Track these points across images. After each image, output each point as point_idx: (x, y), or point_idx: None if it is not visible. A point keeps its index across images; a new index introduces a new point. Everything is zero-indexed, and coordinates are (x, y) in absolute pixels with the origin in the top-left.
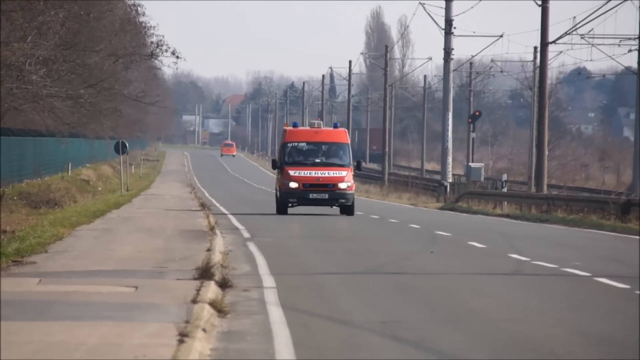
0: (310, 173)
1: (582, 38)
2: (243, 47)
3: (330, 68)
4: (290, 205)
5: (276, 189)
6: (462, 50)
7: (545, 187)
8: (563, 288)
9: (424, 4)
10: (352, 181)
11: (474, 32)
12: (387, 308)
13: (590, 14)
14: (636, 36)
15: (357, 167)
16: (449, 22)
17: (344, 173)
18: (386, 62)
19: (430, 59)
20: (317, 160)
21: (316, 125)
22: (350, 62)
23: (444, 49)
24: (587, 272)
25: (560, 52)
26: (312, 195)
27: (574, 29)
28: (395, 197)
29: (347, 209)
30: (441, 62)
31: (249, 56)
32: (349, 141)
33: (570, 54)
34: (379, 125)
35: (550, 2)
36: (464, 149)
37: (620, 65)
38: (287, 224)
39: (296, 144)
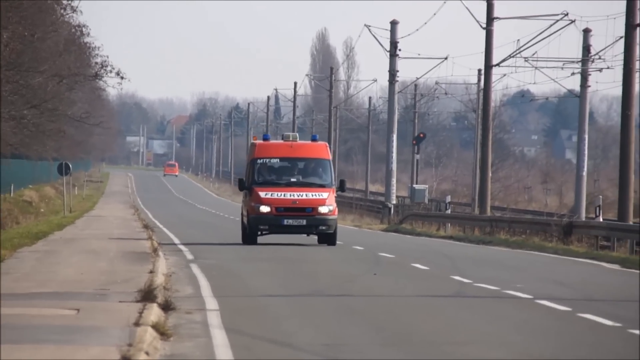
0: (284, 195)
1: (525, 61)
2: (188, 68)
3: (275, 89)
4: (260, 233)
5: (242, 214)
6: (407, 72)
7: (488, 208)
8: (506, 310)
9: (370, 26)
10: (335, 205)
11: (419, 54)
12: (331, 330)
13: (534, 37)
14: (579, 59)
15: (341, 187)
16: (394, 44)
17: (324, 195)
18: (331, 83)
19: (375, 80)
20: (292, 180)
21: (291, 138)
22: (295, 83)
23: (389, 71)
24: (529, 294)
25: (504, 74)
26: (286, 222)
27: (517, 51)
28: (340, 219)
29: (328, 238)
30: (386, 83)
31: (194, 77)
32: (330, 157)
33: (514, 76)
34: None
35: (495, 25)
36: (408, 171)
37: (563, 88)
38: (232, 244)
39: (267, 160)
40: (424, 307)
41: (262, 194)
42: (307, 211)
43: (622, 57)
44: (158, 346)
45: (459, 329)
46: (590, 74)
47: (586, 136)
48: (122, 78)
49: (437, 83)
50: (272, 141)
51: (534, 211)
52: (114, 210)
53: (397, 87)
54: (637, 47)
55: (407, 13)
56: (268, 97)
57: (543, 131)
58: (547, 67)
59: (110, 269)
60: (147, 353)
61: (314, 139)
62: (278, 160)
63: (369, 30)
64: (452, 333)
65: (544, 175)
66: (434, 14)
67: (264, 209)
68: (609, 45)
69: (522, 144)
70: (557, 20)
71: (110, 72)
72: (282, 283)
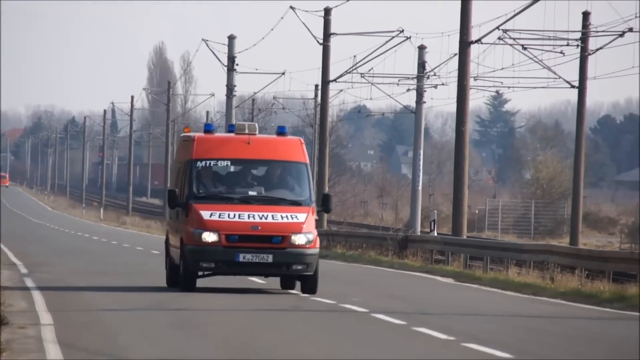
0: (239, 216)
1: (362, 77)
2: (22, 81)
3: (112, 103)
4: (202, 274)
5: (170, 245)
6: (245, 86)
7: (325, 222)
8: (343, 324)
9: (207, 40)
10: (315, 232)
11: (256, 69)
12: (168, 344)
13: (371, 54)
14: (414, 75)
15: (325, 204)
16: (231, 58)
17: (300, 216)
18: (168, 97)
19: (213, 95)
20: (251, 194)
21: (247, 130)
22: (132, 97)
23: (227, 85)
24: (365, 308)
25: (341, 90)
26: (243, 257)
27: (354, 67)
28: None
29: (308, 282)
30: (224, 98)
31: (29, 90)
32: (308, 160)
33: (351, 92)
34: (161, 160)
35: (332, 41)
36: None
37: (399, 104)
38: (68, 258)
39: (213, 162)
40: (263, 321)
41: (205, 215)
42: (275, 242)
43: (456, 73)
44: None
45: (299, 343)
46: (425, 90)
47: (421, 151)
48: None
49: (274, 98)
50: (219, 134)
51: (370, 225)
52: None
53: (234, 102)
54: (471, 64)
55: (245, 28)
56: (105, 111)
57: (379, 146)
58: (383, 83)
59: None
60: None
61: (281, 132)
62: (229, 163)
63: (207, 44)
64: (292, 347)
65: (380, 189)
66: (272, 29)
67: (209, 237)
68: (444, 62)
69: (359, 159)
70: (393, 37)
71: None
72: (119, 297)
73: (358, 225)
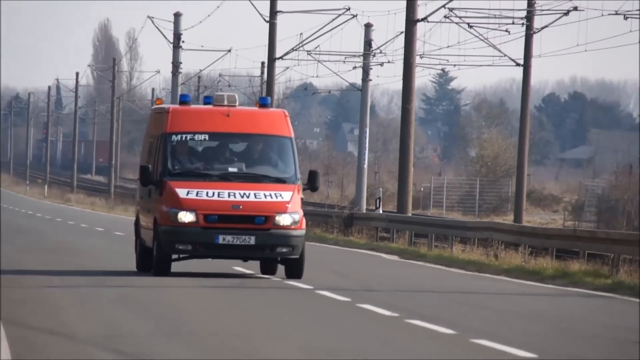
0: (219, 195)
1: (308, 54)
2: None
3: (57, 79)
4: (177, 257)
5: (141, 226)
6: (190, 64)
7: None
8: (288, 301)
9: (153, 17)
10: (301, 212)
11: (202, 47)
12: (111, 321)
13: (317, 31)
14: (361, 53)
15: (312, 182)
16: (177, 36)
17: (285, 195)
18: (114, 74)
19: (159, 72)
20: (231, 170)
21: (226, 102)
22: (77, 73)
23: (173, 63)
24: (310, 285)
25: (287, 67)
26: (223, 239)
27: (300, 45)
28: (122, 210)
29: (293, 266)
30: (170, 75)
31: None
32: (292, 134)
33: (297, 69)
34: (106, 137)
35: (278, 18)
36: None
37: (346, 81)
38: (12, 235)
39: (189, 136)
40: (206, 298)
41: (181, 193)
42: (257, 222)
43: (402, 51)
44: None
45: (241, 320)
46: (371, 68)
47: (367, 129)
48: None
49: (220, 75)
50: (195, 106)
51: (316, 203)
52: None
53: (180, 79)
54: (417, 42)
55: (191, 5)
56: (49, 87)
57: (325, 124)
58: (329, 61)
59: None
60: None
61: (263, 104)
62: (206, 137)
63: (152, 21)
64: (234, 324)
65: (326, 167)
66: (218, 7)
67: (186, 217)
68: (390, 40)
69: (305, 137)
70: (339, 15)
71: None
72: (62, 273)
73: (304, 203)
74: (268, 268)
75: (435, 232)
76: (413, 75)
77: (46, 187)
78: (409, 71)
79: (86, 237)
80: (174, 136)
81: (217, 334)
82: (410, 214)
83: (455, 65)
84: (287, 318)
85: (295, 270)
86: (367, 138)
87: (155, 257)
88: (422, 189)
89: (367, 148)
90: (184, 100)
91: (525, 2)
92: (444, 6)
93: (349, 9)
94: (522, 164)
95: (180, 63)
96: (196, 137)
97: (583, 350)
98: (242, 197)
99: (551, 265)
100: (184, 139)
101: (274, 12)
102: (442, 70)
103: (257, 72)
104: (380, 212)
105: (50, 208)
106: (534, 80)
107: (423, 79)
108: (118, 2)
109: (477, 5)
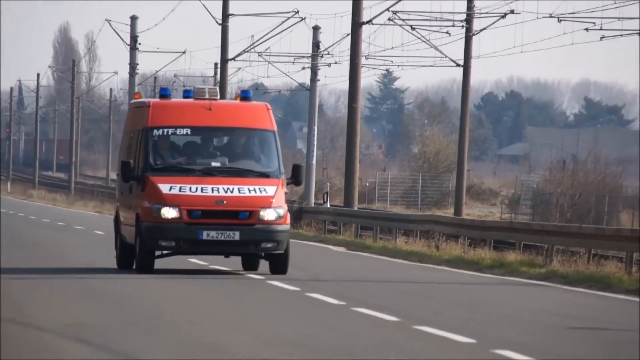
0: (202, 190)
1: (259, 56)
2: None
3: (19, 80)
4: (160, 253)
5: (121, 222)
6: (147, 65)
7: None
8: (241, 291)
9: (110, 20)
10: (286, 207)
11: (158, 48)
12: (73, 311)
13: (267, 33)
14: (309, 55)
15: (296, 176)
16: (134, 38)
17: (269, 189)
18: (73, 75)
19: (116, 73)
20: (214, 164)
21: (208, 95)
22: (38, 75)
23: (130, 64)
24: (261, 275)
25: (239, 68)
26: (207, 235)
27: (252, 47)
28: (82, 205)
29: (278, 262)
30: (127, 76)
31: None
32: (275, 127)
33: (249, 70)
34: (66, 136)
35: (230, 21)
36: None
37: (295, 81)
38: None
39: (171, 131)
40: (163, 288)
41: (163, 188)
42: (242, 217)
43: (349, 53)
44: None
45: (197, 309)
46: (319, 69)
47: (315, 127)
48: None
49: (175, 76)
50: (176, 100)
51: None
52: None
53: (137, 79)
54: (362, 43)
55: (147, 9)
56: (11, 88)
57: (276, 122)
58: (279, 62)
59: None
60: None
61: (245, 97)
62: (189, 131)
63: (110, 24)
64: (190, 313)
65: None
66: (172, 10)
67: (169, 212)
68: (337, 42)
69: None
70: (289, 18)
71: None
72: (24, 264)
73: None
74: (250, 264)
75: (380, 225)
76: (359, 75)
77: (9, 183)
78: (354, 72)
79: (49, 231)
80: (155, 131)
81: (174, 322)
82: (356, 208)
83: (398, 65)
84: (241, 307)
85: (279, 266)
86: (316, 136)
87: (137, 254)
88: (367, 184)
89: (315, 145)
90: (164, 94)
91: (465, 5)
92: (388, 9)
93: (297, 12)
94: (462, 160)
95: (137, 64)
96: (178, 131)
97: (518, 335)
98: (226, 192)
99: (489, 255)
100: (165, 133)
101: (226, 15)
102: (387, 70)
103: (211, 73)
104: (328, 206)
105: (13, 203)
106: (473, 80)
107: (368, 79)
108: (77, 6)
109: (420, 8)
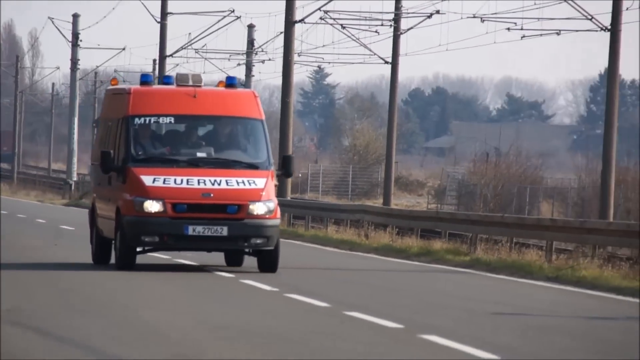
0: (187, 182)
1: (196, 52)
2: None
3: None
4: (142, 249)
5: (99, 215)
6: (88, 61)
7: None
8: (184, 279)
9: (53, 18)
10: (276, 200)
11: (99, 45)
12: (13, 298)
13: (204, 31)
14: (244, 52)
15: (286, 167)
16: (75, 35)
17: (259, 182)
18: (17, 70)
19: (58, 68)
20: (200, 155)
21: (192, 82)
22: None
23: (71, 60)
24: (197, 262)
25: (177, 64)
26: (193, 230)
27: (189, 44)
28: (24, 195)
29: (267, 259)
30: (69, 71)
31: None
32: (264, 116)
33: (186, 66)
34: (10, 128)
35: (169, 19)
36: (89, 151)
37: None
38: None
39: (154, 119)
40: (114, 276)
41: (146, 180)
42: (230, 211)
43: (282, 50)
44: None
45: (150, 295)
46: (254, 65)
47: None
48: None
49: (115, 71)
50: (158, 86)
51: None
52: None
53: (78, 75)
54: (295, 41)
55: (88, 7)
56: None
57: None
58: (215, 58)
59: None
60: None
61: (231, 84)
62: (172, 119)
63: (52, 22)
64: (144, 299)
65: None
66: (113, 8)
67: (152, 206)
68: (271, 40)
69: None
70: (225, 17)
71: None
72: None
73: None
74: (234, 259)
75: (312, 214)
76: (292, 71)
77: None
78: (288, 68)
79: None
80: (136, 119)
81: (128, 307)
82: (289, 198)
83: (330, 62)
84: (184, 295)
85: (269, 262)
86: None
87: (118, 249)
88: (300, 175)
89: None
90: (145, 81)
91: (393, 6)
92: (319, 9)
93: (233, 10)
94: (390, 152)
95: (78, 60)
96: (161, 120)
97: (443, 320)
98: (213, 184)
99: (416, 244)
100: (147, 122)
101: (164, 14)
102: (318, 67)
103: (150, 69)
104: None
105: None
106: (401, 76)
107: (301, 75)
108: (21, 4)
109: (350, 8)
